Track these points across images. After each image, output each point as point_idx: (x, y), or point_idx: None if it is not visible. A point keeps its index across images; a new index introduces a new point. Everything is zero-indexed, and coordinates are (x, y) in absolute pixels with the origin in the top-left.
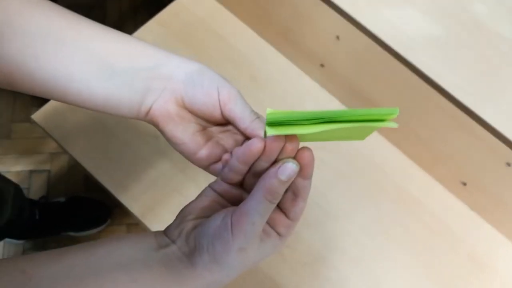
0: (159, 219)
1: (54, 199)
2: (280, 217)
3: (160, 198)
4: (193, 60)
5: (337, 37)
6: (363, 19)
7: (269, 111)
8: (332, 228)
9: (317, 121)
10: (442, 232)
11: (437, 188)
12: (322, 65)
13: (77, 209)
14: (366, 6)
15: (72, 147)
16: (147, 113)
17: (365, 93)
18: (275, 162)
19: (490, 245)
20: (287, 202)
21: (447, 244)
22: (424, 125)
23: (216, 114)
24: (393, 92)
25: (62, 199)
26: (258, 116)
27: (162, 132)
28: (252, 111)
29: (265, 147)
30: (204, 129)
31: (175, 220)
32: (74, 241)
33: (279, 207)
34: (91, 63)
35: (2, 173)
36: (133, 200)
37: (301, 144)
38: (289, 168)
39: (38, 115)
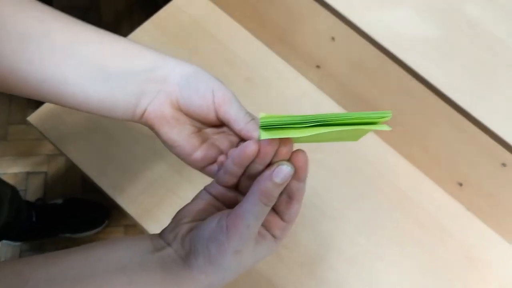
0: (156, 221)
1: (51, 201)
2: (275, 220)
3: (157, 200)
4: (188, 63)
5: (333, 38)
6: (358, 21)
7: (262, 115)
8: (328, 228)
9: (310, 124)
10: (439, 232)
11: (434, 189)
12: (318, 66)
13: (74, 210)
14: (361, 7)
15: (68, 148)
16: (142, 115)
17: (360, 94)
18: (269, 164)
19: (487, 245)
20: (282, 204)
21: (443, 244)
22: (420, 125)
23: (211, 116)
24: (388, 93)
25: (59, 201)
26: (253, 118)
27: (157, 134)
28: (247, 112)
29: (259, 150)
30: (199, 130)
31: (170, 223)
32: (72, 243)
33: (274, 209)
34: (85, 66)
35: None
36: (130, 201)
37: (296, 146)
38: (283, 170)
39: (34, 117)
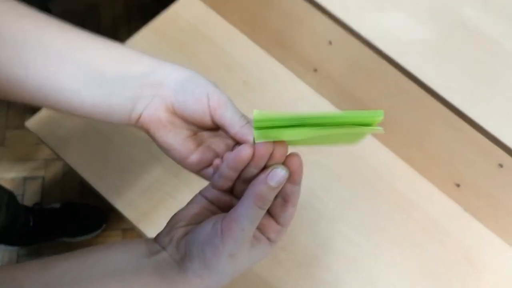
0: (153, 224)
1: (48, 206)
2: (270, 223)
3: (154, 203)
4: (184, 67)
5: (330, 42)
6: (355, 24)
7: (256, 112)
8: (326, 229)
9: (303, 123)
10: (437, 233)
11: (431, 190)
12: (315, 70)
13: (72, 215)
14: (358, 11)
15: (66, 153)
16: (138, 120)
17: (358, 97)
18: (264, 168)
19: (485, 245)
20: (277, 207)
21: (441, 244)
22: (417, 127)
23: (207, 120)
24: (386, 96)
25: (56, 205)
26: (248, 121)
27: (153, 138)
28: (242, 116)
29: (254, 153)
30: (195, 134)
31: (165, 227)
32: (69, 247)
33: (269, 212)
34: (81, 72)
35: None
36: (127, 205)
37: (292, 149)
38: (278, 174)
39: (32, 122)
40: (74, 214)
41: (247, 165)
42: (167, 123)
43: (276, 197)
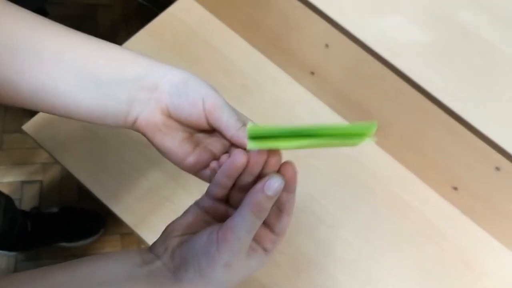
0: (151, 228)
1: (46, 210)
2: (265, 233)
3: (153, 207)
4: (179, 68)
5: (326, 45)
6: (351, 27)
7: (250, 125)
8: (325, 234)
9: (297, 134)
10: (434, 236)
11: (429, 193)
12: (312, 73)
13: (70, 219)
14: (354, 14)
15: (63, 157)
16: (134, 123)
17: (355, 99)
18: (259, 176)
19: (482, 248)
20: (272, 217)
21: (439, 247)
22: (415, 130)
23: (202, 123)
24: (383, 99)
25: (54, 210)
26: (244, 124)
27: (150, 141)
28: (238, 119)
29: (248, 160)
30: (191, 135)
31: (160, 236)
32: (67, 252)
33: (264, 222)
34: (74, 75)
35: None
36: (126, 210)
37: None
38: (275, 183)
39: (29, 126)
40: (72, 219)
41: (242, 173)
42: (163, 127)
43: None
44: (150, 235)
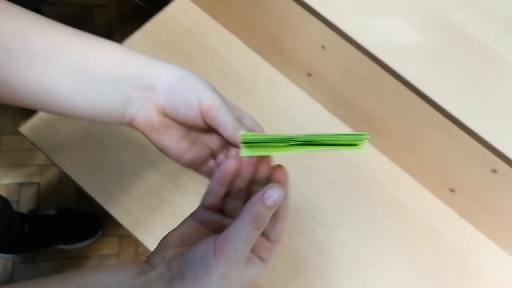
0: (149, 231)
1: (44, 212)
2: (261, 241)
3: (150, 209)
4: (175, 66)
5: (323, 47)
6: (348, 29)
7: (242, 133)
8: (323, 236)
9: (290, 143)
10: (431, 238)
11: (426, 195)
12: (309, 74)
13: (68, 221)
14: (351, 15)
15: (61, 159)
16: (131, 122)
17: (352, 101)
18: (252, 182)
19: (479, 250)
20: (267, 224)
21: (436, 249)
22: (411, 132)
23: (199, 122)
24: (380, 100)
25: (52, 212)
26: (241, 123)
27: (148, 139)
28: (235, 118)
29: (240, 167)
30: (189, 132)
31: (156, 247)
32: (65, 254)
33: None
34: (72, 76)
35: None
36: (123, 212)
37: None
38: (275, 193)
39: (26, 128)
40: (70, 221)
41: (234, 178)
42: (160, 126)
43: None
44: (148, 237)
